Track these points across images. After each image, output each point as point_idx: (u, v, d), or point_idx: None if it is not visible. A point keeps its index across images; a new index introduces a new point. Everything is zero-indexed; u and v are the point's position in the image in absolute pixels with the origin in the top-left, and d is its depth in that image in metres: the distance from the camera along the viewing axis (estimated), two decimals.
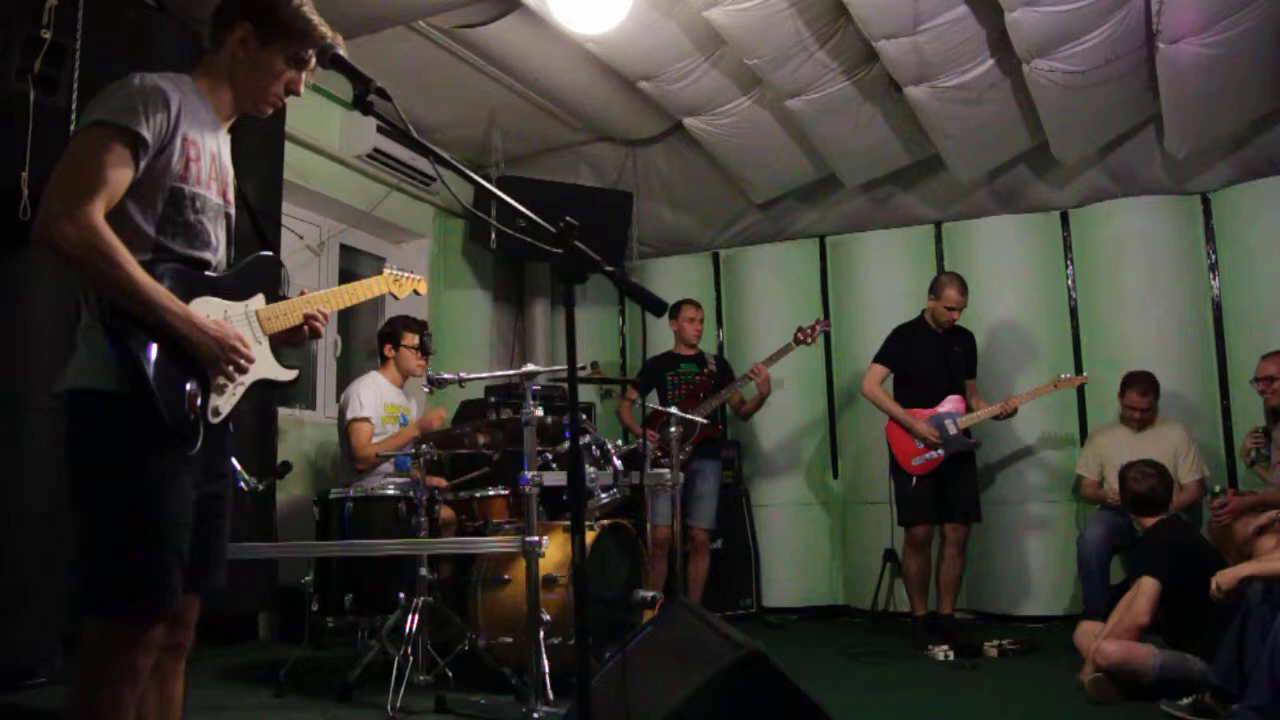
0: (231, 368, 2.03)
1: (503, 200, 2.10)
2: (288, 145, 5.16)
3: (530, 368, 3.47)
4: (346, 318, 6.53)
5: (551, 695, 3.26)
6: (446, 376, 3.52)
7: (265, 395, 4.79)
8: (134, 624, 1.90)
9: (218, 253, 2.12)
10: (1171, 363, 5.41)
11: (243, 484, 3.35)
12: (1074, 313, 5.91)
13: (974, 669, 4.42)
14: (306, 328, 2.27)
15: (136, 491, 1.90)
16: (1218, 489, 4.62)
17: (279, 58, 2.11)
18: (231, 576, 4.48)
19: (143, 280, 1.88)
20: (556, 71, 5.70)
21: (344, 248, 6.44)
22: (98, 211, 1.85)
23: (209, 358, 1.99)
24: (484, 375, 3.99)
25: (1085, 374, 5.37)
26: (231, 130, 2.23)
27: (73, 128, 3.62)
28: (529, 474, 3.29)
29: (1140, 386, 5.11)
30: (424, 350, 4.94)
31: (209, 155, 2.07)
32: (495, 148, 6.56)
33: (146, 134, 1.90)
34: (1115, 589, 4.30)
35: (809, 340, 5.41)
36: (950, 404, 5.11)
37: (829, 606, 6.21)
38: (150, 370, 1.86)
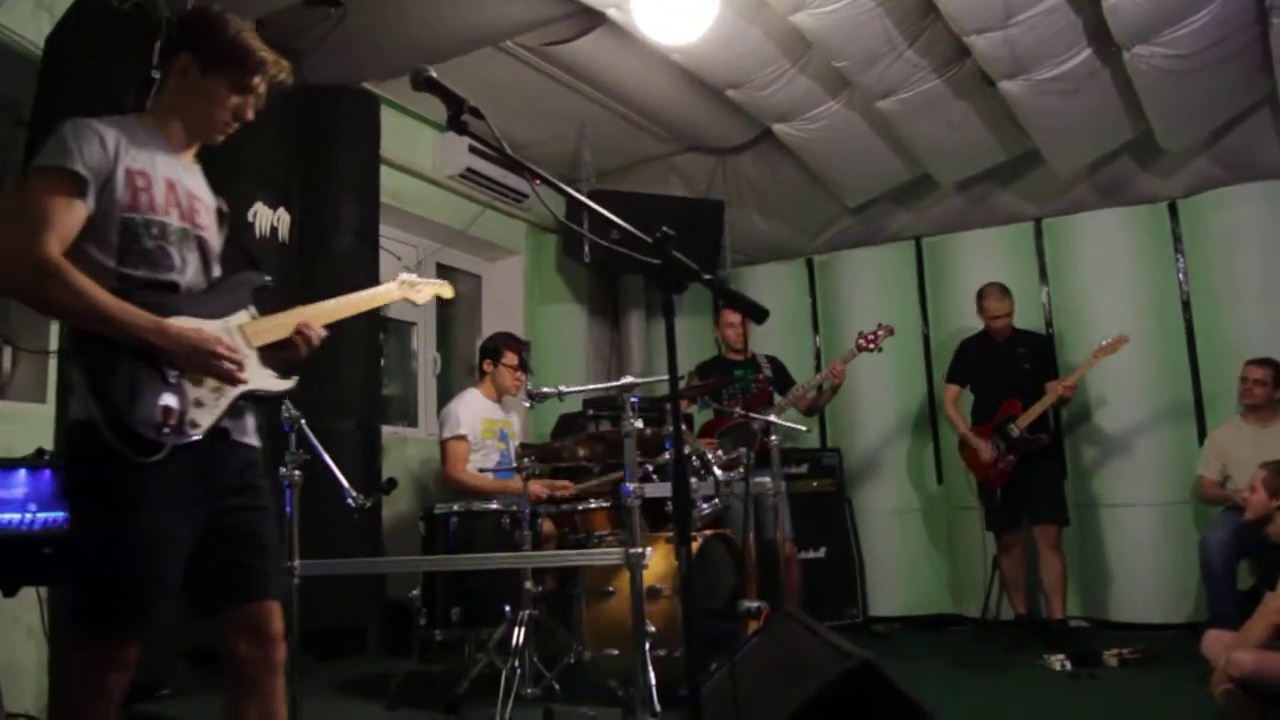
0: (222, 369, 2.04)
1: (597, 213, 2.11)
2: (384, 169, 5.29)
3: (628, 379, 3.47)
4: (445, 336, 6.65)
5: (659, 707, 3.24)
6: (546, 390, 3.54)
7: (368, 414, 4.91)
8: (104, 642, 1.93)
9: (185, 275, 2.12)
10: None
11: (350, 501, 3.42)
12: (1186, 306, 5.68)
13: (1093, 679, 4.25)
14: (296, 339, 2.23)
15: (106, 510, 1.93)
16: None
17: (221, 85, 2.14)
18: (341, 591, 4.60)
19: (108, 301, 1.93)
20: (644, 84, 5.73)
21: (440, 267, 6.56)
22: (50, 247, 1.90)
23: (191, 364, 2.01)
24: (582, 389, 4.00)
25: (1123, 334, 5.09)
26: (199, 159, 2.27)
27: None
28: (631, 486, 3.29)
29: (1257, 360, 4.98)
30: (524, 367, 5.00)
31: (163, 183, 2.10)
32: (585, 162, 6.62)
33: (83, 170, 1.96)
34: (1244, 595, 4.11)
35: (871, 346, 5.23)
36: (1008, 409, 5.13)
37: (937, 615, 6.07)
38: (112, 389, 1.90)
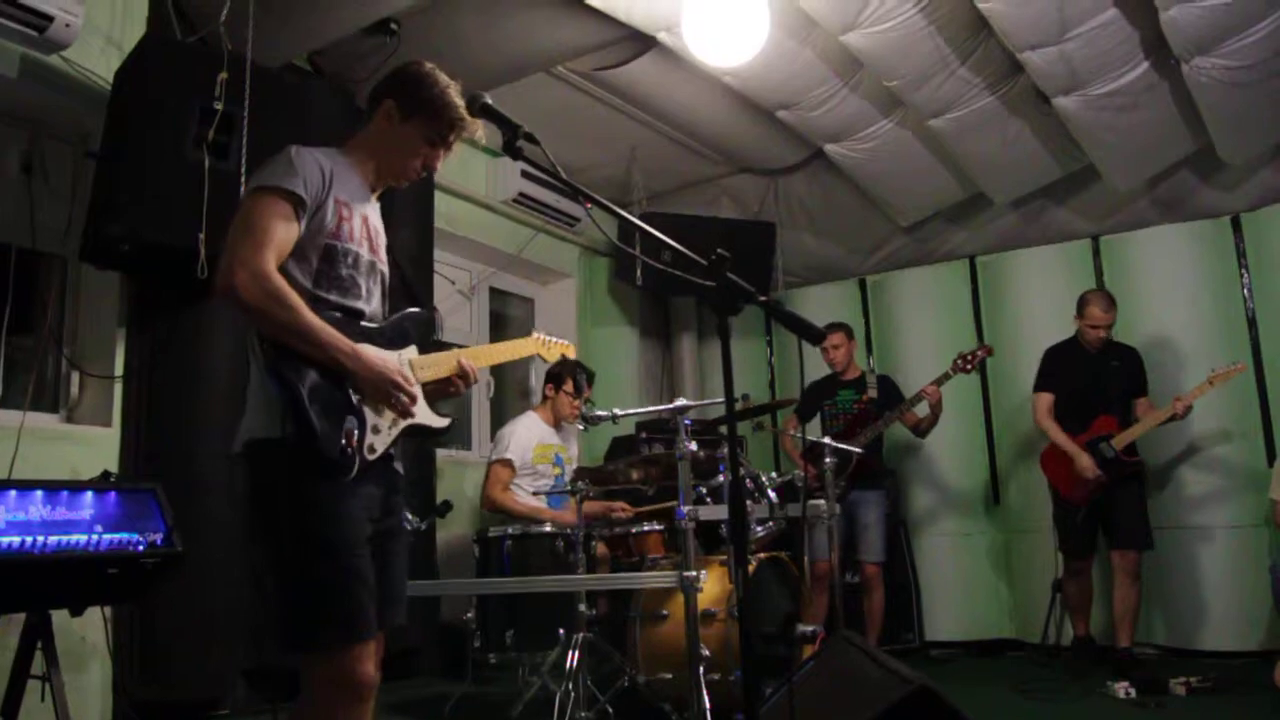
0: (400, 403, 2.14)
1: (650, 235, 2.12)
2: (437, 194, 5.37)
3: (682, 402, 3.46)
4: None
5: None
6: (600, 413, 3.55)
7: (421, 441, 4.96)
8: (338, 651, 1.99)
9: (370, 304, 2.26)
10: None
11: (405, 524, 3.44)
12: (1252, 323, 5.53)
13: (1159, 708, 4.13)
14: (456, 379, 2.37)
15: (312, 526, 2.01)
16: None
17: (418, 134, 2.27)
18: None
19: (315, 323, 2.04)
20: (694, 106, 5.75)
21: (494, 290, 6.63)
22: (271, 263, 2.02)
23: (375, 393, 2.11)
24: (637, 411, 4.00)
25: (1239, 362, 4.94)
26: (380, 199, 2.39)
27: (242, 190, 3.88)
28: (685, 508, 3.28)
29: None
30: (577, 390, 5.02)
31: (359, 217, 2.24)
32: (636, 185, 6.66)
33: (304, 194, 2.08)
34: None
35: (969, 368, 5.22)
36: (1102, 426, 4.89)
37: (995, 640, 5.95)
38: (310, 408, 1.99)
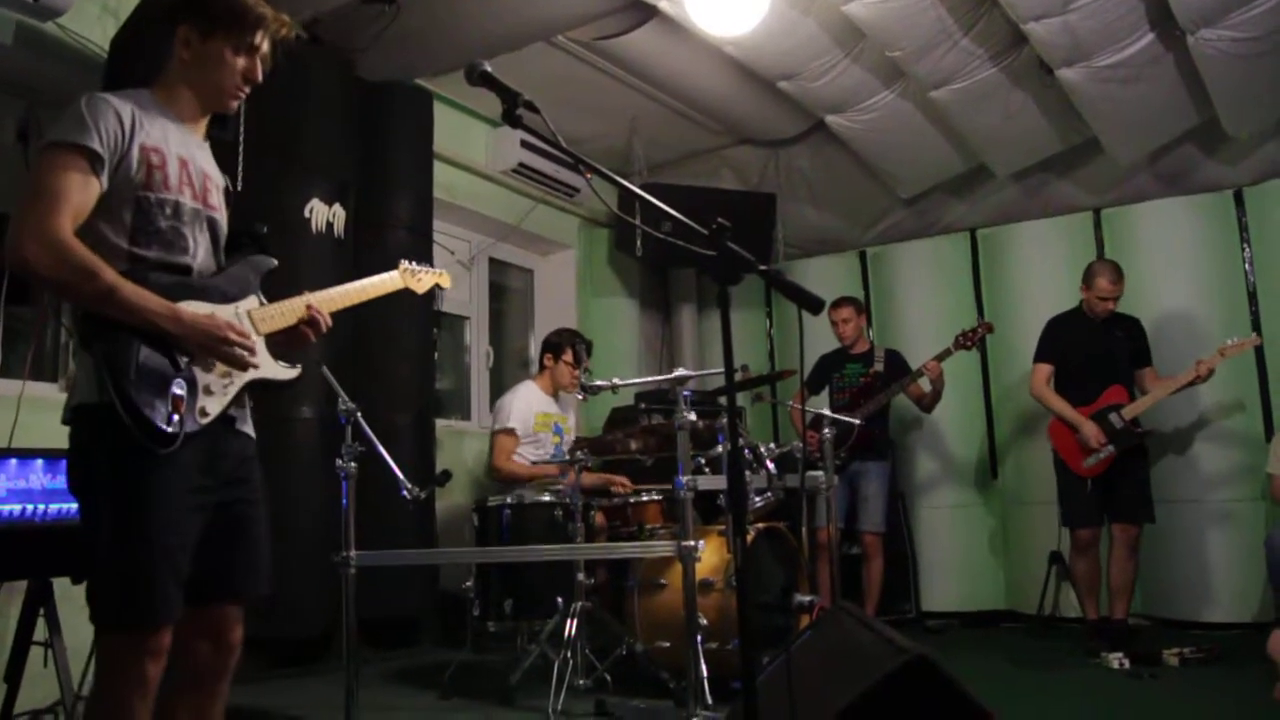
0: (234, 355, 2.00)
1: (651, 205, 2.10)
2: (436, 164, 5.34)
3: (682, 372, 3.47)
4: (497, 330, 6.70)
5: (710, 699, 3.25)
6: (600, 383, 3.56)
7: (423, 408, 4.93)
8: (133, 634, 1.87)
9: (197, 258, 2.08)
10: None
11: (405, 493, 3.46)
12: (1253, 297, 5.52)
13: (1152, 678, 4.17)
14: (304, 326, 2.21)
15: (122, 500, 1.87)
16: None
17: (224, 48, 2.09)
18: (395, 582, 4.65)
19: (121, 285, 1.87)
20: (695, 76, 5.72)
21: (493, 261, 6.62)
22: (64, 227, 1.85)
23: (203, 350, 1.97)
24: (636, 381, 4.01)
25: (1255, 335, 4.95)
26: (209, 137, 2.22)
27: (241, 165, 3.85)
28: (683, 478, 3.29)
29: None
30: (576, 359, 5.03)
31: (176, 161, 2.05)
32: (637, 156, 6.62)
33: (99, 147, 1.91)
34: None
35: (970, 345, 5.24)
36: (1112, 396, 4.83)
37: (991, 611, 5.99)
38: (127, 374, 1.84)
